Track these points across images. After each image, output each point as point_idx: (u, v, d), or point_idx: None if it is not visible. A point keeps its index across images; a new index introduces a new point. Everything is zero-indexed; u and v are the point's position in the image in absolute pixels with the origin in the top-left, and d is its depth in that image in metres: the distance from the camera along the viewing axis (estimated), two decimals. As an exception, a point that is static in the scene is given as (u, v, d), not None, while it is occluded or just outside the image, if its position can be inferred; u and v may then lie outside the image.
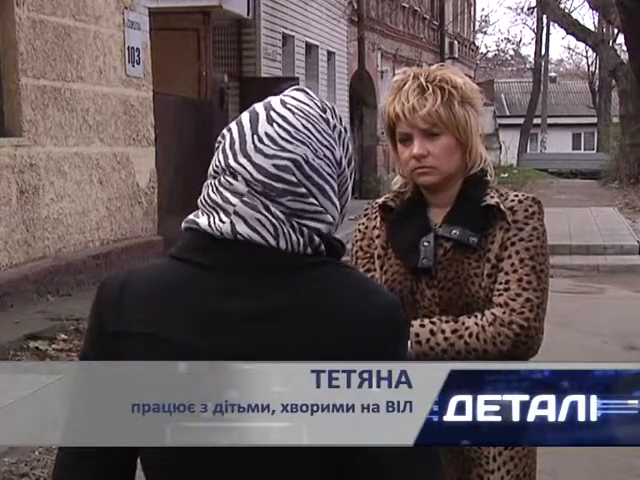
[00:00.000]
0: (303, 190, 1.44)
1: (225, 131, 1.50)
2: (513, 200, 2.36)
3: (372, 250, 2.44)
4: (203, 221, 1.46)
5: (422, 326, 2.29)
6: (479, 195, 2.35)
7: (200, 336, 1.42)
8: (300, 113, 1.47)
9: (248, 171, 1.44)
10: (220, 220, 1.44)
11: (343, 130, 1.52)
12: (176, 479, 1.47)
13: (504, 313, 2.27)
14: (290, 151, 1.44)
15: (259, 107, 1.49)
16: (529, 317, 2.27)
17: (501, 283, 2.30)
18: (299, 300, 1.41)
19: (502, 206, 2.33)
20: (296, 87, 1.55)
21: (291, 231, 1.43)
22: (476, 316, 2.29)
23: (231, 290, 1.42)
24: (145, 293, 1.47)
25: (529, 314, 2.27)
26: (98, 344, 1.48)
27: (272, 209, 1.43)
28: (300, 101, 1.50)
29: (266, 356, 1.38)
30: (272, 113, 1.47)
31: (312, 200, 1.45)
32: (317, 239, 1.45)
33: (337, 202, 1.49)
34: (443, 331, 2.28)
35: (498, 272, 2.30)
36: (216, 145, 1.51)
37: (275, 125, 1.45)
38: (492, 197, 2.34)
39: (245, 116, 1.49)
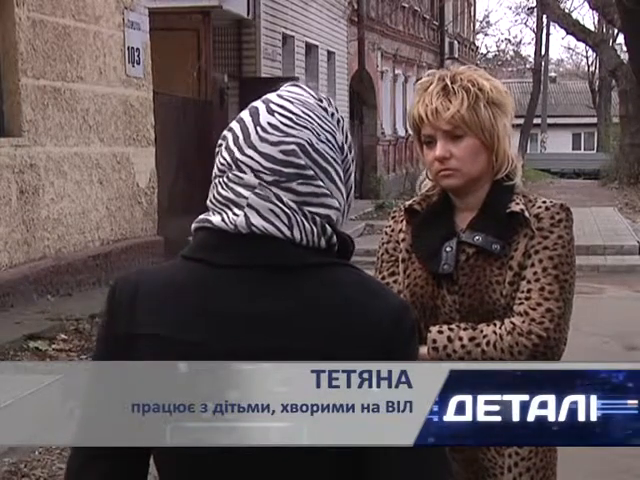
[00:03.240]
0: (311, 172, 1.46)
1: (226, 132, 1.51)
2: (540, 207, 2.30)
3: (397, 253, 2.40)
4: (216, 219, 1.46)
5: (440, 332, 2.26)
6: (505, 201, 2.31)
7: (216, 337, 1.42)
8: (298, 102, 1.50)
9: (256, 161, 1.45)
10: (234, 214, 1.44)
11: (341, 118, 1.54)
12: (190, 478, 1.46)
13: (523, 322, 2.22)
14: (294, 136, 1.46)
15: (257, 103, 1.52)
16: (549, 327, 2.22)
17: (523, 292, 2.25)
18: (311, 303, 1.42)
19: (527, 213, 2.28)
20: (291, 83, 1.57)
21: (304, 220, 1.44)
22: (495, 324, 2.25)
23: (244, 291, 1.43)
24: (159, 294, 1.47)
25: (549, 324, 2.22)
26: (112, 347, 1.47)
27: (284, 199, 1.44)
28: (297, 93, 1.53)
29: (278, 357, 1.38)
30: (271, 105, 1.49)
31: (320, 183, 1.47)
32: (329, 229, 1.46)
33: (342, 187, 1.51)
34: (461, 338, 2.24)
35: (520, 280, 2.26)
36: (217, 149, 1.52)
37: (276, 114, 1.47)
38: (517, 203, 2.29)
39: (245, 113, 1.51)
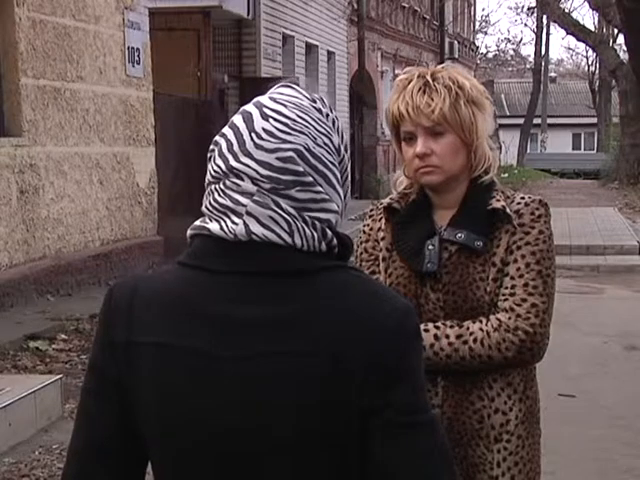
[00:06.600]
0: (309, 179, 1.43)
1: (218, 137, 1.48)
2: (519, 203, 2.32)
3: (377, 252, 2.40)
4: (214, 226, 1.43)
5: (426, 331, 2.25)
6: (485, 198, 2.32)
7: (218, 344, 1.40)
8: (292, 105, 1.46)
9: (253, 169, 1.41)
10: (232, 222, 1.41)
11: (336, 118, 1.51)
12: (185, 477, 1.46)
13: (509, 319, 2.24)
14: (291, 142, 1.42)
15: (249, 107, 1.48)
16: (535, 323, 2.24)
17: (507, 288, 2.26)
18: (314, 307, 1.40)
19: (508, 209, 2.29)
20: (282, 84, 1.53)
21: (304, 226, 1.42)
22: (481, 321, 2.26)
23: (246, 296, 1.40)
24: (156, 301, 1.44)
25: (535, 320, 2.24)
26: (108, 354, 1.46)
27: (283, 205, 1.41)
28: (289, 95, 1.49)
29: (283, 363, 1.37)
30: (265, 110, 1.45)
31: (319, 188, 1.44)
32: (329, 233, 1.44)
33: (340, 190, 1.48)
34: (447, 336, 2.25)
35: (504, 276, 2.27)
36: (209, 154, 1.48)
37: (271, 120, 1.44)
38: (498, 200, 2.31)
39: (237, 118, 1.47)
